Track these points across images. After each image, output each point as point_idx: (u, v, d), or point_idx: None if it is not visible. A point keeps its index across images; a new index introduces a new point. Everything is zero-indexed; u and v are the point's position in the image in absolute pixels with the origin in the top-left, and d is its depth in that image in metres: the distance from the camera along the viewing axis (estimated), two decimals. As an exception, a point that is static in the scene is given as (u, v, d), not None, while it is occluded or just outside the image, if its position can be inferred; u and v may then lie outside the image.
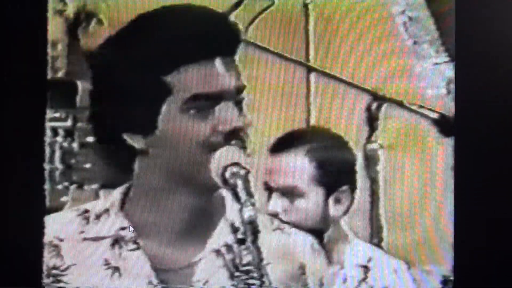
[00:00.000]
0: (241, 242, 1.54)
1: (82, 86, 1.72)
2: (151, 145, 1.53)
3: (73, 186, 1.71)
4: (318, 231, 1.66)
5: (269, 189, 1.66)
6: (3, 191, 1.72)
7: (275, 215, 1.65)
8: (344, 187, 1.68)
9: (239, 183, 1.48)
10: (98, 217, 1.59)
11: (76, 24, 1.73)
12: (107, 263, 1.57)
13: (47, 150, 1.71)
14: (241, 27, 1.65)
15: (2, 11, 1.74)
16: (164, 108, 1.51)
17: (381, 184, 1.70)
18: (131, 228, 1.58)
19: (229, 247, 1.55)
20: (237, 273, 1.56)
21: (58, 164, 1.72)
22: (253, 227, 1.47)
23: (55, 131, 1.72)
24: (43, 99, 1.71)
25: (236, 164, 1.49)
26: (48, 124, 1.71)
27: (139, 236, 1.57)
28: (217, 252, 1.54)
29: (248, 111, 1.57)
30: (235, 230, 1.55)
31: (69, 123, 1.72)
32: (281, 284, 1.58)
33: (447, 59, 1.71)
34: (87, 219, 1.59)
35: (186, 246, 1.54)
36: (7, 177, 1.72)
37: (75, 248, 1.59)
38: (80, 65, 1.71)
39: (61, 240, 1.60)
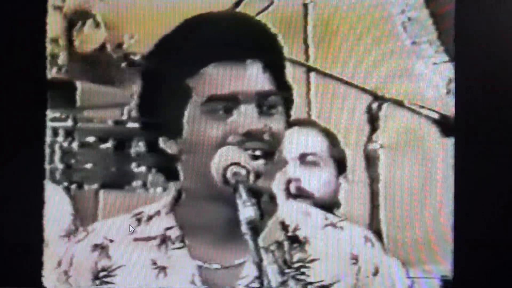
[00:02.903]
0: (293, 239, 1.55)
1: (82, 86, 1.72)
2: (182, 150, 1.55)
3: (73, 186, 1.71)
4: (330, 207, 1.69)
5: (284, 162, 1.69)
6: (3, 191, 1.73)
7: (297, 180, 1.69)
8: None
9: (240, 183, 1.48)
10: (150, 218, 1.60)
11: (72, 23, 1.73)
12: (154, 263, 1.57)
13: (47, 150, 1.71)
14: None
15: (2, 11, 1.74)
16: (187, 110, 1.52)
17: (381, 184, 1.70)
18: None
19: (279, 244, 1.56)
20: (288, 270, 1.56)
21: (58, 164, 1.72)
22: (253, 227, 1.46)
23: (55, 131, 1.72)
24: (43, 99, 1.71)
25: (237, 164, 1.49)
26: (49, 124, 1.72)
27: (185, 235, 1.57)
28: (267, 249, 1.55)
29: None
30: (285, 228, 1.57)
31: (69, 123, 1.72)
32: (330, 277, 1.59)
33: (447, 59, 1.71)
34: (139, 221, 1.60)
35: (234, 245, 1.53)
36: (7, 177, 1.72)
37: (125, 249, 1.59)
38: (80, 63, 1.72)
39: (111, 241, 1.60)
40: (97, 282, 1.59)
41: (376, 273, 1.61)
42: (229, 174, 1.48)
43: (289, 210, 1.59)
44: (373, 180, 1.70)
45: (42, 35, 1.72)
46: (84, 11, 1.74)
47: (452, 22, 1.70)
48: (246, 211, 1.44)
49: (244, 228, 1.44)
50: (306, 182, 1.70)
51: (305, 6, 1.72)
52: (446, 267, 1.69)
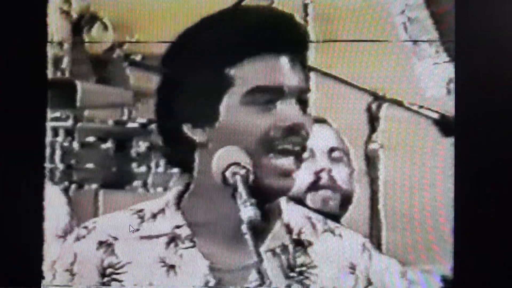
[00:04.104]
0: (297, 242, 1.55)
1: (82, 86, 1.73)
2: (211, 139, 1.54)
3: (73, 186, 1.71)
4: (348, 198, 1.71)
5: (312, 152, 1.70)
6: (3, 191, 1.73)
7: (329, 170, 1.70)
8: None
9: (240, 182, 1.48)
10: (154, 216, 1.59)
11: (81, 26, 1.74)
12: (162, 261, 1.57)
13: (48, 150, 1.71)
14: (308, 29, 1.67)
15: (3, 11, 1.74)
16: (225, 100, 1.52)
17: (381, 184, 1.70)
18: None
19: (284, 248, 1.56)
20: (291, 274, 1.56)
21: (59, 164, 1.72)
22: (253, 227, 1.46)
23: (55, 131, 1.72)
24: (43, 99, 1.72)
25: (236, 164, 1.49)
26: (49, 124, 1.72)
27: (195, 234, 1.57)
28: (273, 252, 1.55)
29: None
30: (290, 231, 1.57)
31: (69, 123, 1.72)
32: (330, 284, 1.59)
33: (447, 59, 1.71)
34: (141, 218, 1.59)
35: (242, 246, 1.52)
36: (7, 176, 1.73)
37: (130, 246, 1.59)
38: (84, 66, 1.72)
39: (116, 238, 1.59)
40: (105, 279, 1.59)
41: (370, 283, 1.61)
42: (228, 174, 1.49)
43: (292, 213, 1.59)
44: (373, 180, 1.70)
45: (43, 36, 1.72)
46: (91, 15, 1.74)
47: (452, 22, 1.70)
48: (246, 211, 1.45)
49: (244, 228, 1.45)
50: (336, 174, 1.70)
51: (305, 6, 1.72)
52: (446, 267, 1.69)
